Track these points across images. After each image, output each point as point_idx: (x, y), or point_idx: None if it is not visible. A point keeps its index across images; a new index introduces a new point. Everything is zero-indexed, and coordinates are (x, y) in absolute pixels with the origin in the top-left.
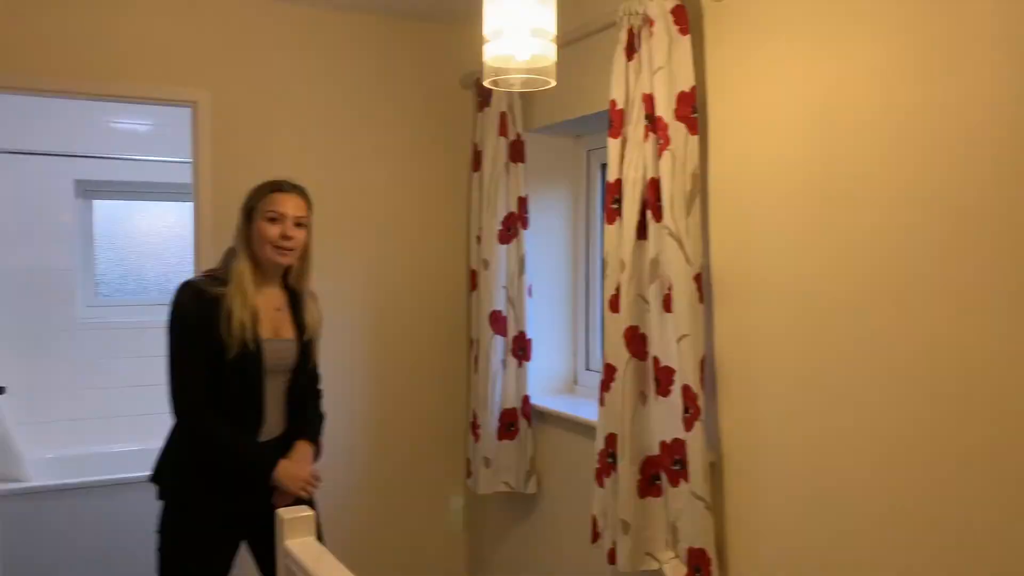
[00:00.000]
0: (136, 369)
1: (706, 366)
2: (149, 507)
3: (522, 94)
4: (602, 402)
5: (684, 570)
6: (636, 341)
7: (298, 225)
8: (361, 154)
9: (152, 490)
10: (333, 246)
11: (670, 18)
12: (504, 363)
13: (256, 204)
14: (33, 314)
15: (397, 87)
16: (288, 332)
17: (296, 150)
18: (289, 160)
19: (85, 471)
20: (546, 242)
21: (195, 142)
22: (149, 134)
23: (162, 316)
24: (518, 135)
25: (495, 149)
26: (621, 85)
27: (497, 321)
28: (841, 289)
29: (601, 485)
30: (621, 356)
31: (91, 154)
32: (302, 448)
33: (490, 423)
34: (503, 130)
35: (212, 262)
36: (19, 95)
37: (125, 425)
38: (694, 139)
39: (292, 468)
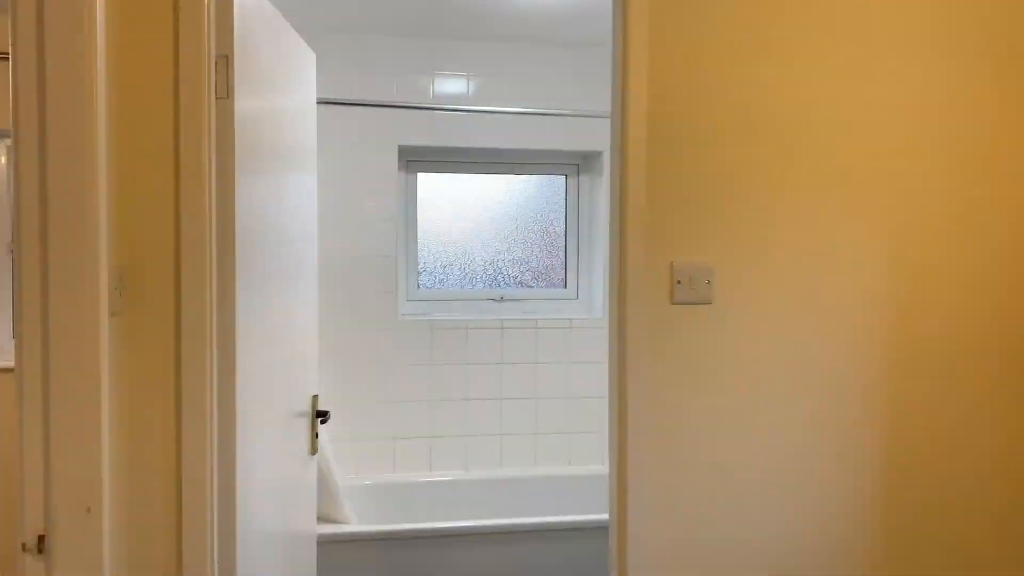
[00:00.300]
0: (459, 378)
1: None
2: (487, 567)
3: None
4: None
5: None
6: None
7: None
8: (883, 69)
9: None
10: (838, 207)
11: None
12: None
13: None
14: (351, 308)
15: None
16: None
17: (777, 62)
18: (769, 75)
19: (405, 504)
20: None
21: (620, 30)
22: (472, 95)
23: (491, 314)
24: None
25: None
26: None
27: None
28: None
29: None
30: None
31: (415, 104)
32: None
33: None
34: None
35: (648, 237)
36: None
37: (448, 448)
38: None
39: None
